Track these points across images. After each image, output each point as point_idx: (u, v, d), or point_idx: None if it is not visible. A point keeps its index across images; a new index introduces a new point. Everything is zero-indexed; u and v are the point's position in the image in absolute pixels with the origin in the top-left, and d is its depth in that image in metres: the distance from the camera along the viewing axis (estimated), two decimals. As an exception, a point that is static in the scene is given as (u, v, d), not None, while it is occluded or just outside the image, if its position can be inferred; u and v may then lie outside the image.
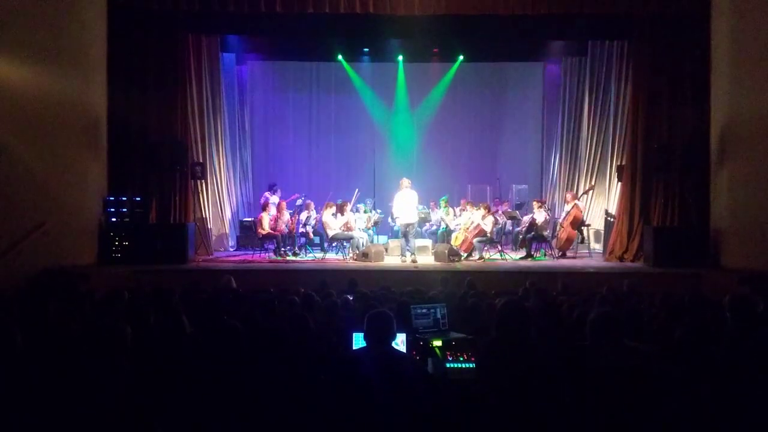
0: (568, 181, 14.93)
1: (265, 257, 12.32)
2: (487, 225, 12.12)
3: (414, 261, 11.68)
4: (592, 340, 3.96)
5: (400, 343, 4.33)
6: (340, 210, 12.48)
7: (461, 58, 15.33)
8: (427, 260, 12.05)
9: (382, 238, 13.65)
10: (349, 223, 12.47)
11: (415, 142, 16.29)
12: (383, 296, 7.30)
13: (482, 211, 12.26)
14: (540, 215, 12.49)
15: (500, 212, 13.60)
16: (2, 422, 3.19)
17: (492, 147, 16.57)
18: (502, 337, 3.96)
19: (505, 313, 3.98)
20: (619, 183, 12.58)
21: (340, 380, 3.61)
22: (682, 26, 11.63)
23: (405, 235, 11.96)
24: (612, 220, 12.70)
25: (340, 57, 15.26)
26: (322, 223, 12.65)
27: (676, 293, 6.85)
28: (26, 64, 9.38)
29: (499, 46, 14.78)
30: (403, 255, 11.97)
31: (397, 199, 11.95)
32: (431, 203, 14.24)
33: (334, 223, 12.33)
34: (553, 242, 12.78)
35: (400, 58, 15.40)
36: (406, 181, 11.95)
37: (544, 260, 12.31)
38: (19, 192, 9.30)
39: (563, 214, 12.94)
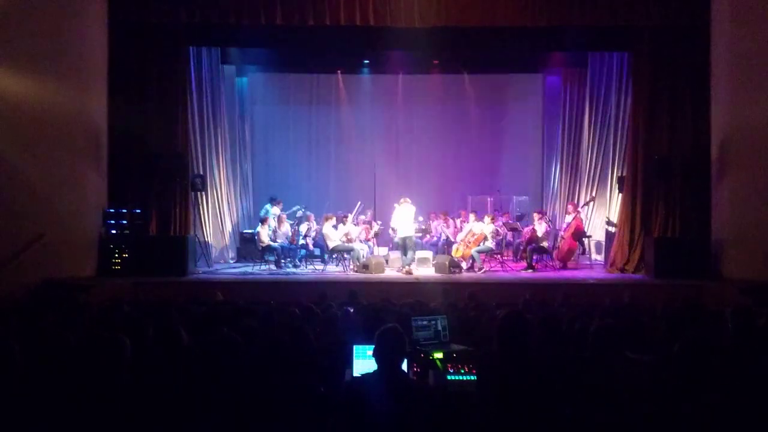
0: (568, 192, 14.95)
1: (265, 269, 12.30)
2: (487, 230, 12.21)
3: (409, 272, 11.67)
4: (593, 351, 3.95)
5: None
6: (341, 221, 12.50)
7: (461, 69, 15.34)
8: (427, 272, 12.03)
9: (383, 250, 13.61)
10: (350, 234, 12.46)
11: (414, 153, 16.29)
12: (384, 308, 7.25)
13: (487, 220, 12.44)
14: (540, 227, 12.48)
15: (501, 224, 13.60)
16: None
17: (492, 158, 16.52)
18: (503, 349, 3.93)
19: (506, 325, 3.96)
20: (620, 194, 12.56)
21: (347, 410, 3.47)
22: (682, 37, 11.64)
23: (403, 248, 11.99)
24: (613, 229, 12.67)
25: (340, 69, 15.27)
26: (322, 235, 12.65)
27: (678, 304, 6.82)
28: (27, 76, 9.39)
29: (499, 57, 14.93)
30: (403, 267, 11.95)
31: (395, 214, 12.24)
32: (431, 214, 14.22)
33: (334, 235, 12.32)
34: (555, 253, 12.77)
35: (400, 69, 15.40)
36: (404, 199, 12.21)
37: (546, 272, 12.28)
38: (18, 203, 9.28)
39: (564, 226, 12.95)
